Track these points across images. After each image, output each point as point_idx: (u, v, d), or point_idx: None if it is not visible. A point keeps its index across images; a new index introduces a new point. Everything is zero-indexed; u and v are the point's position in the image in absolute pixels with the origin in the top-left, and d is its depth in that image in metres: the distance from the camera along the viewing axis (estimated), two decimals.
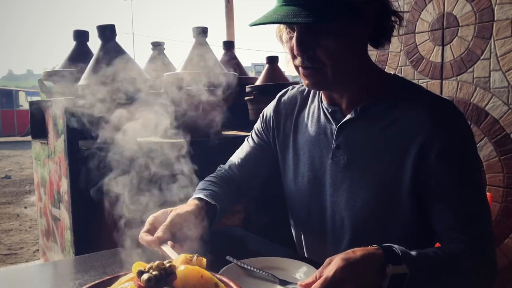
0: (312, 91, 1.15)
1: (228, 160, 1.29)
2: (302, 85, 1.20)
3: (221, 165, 1.30)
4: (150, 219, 0.97)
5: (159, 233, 0.91)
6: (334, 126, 1.04)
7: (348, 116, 1.01)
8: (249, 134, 1.29)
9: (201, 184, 1.17)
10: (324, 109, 1.07)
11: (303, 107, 1.15)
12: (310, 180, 1.08)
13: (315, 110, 1.11)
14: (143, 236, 0.92)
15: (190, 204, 1.02)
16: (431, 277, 0.80)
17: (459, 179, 0.91)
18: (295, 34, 0.91)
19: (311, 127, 1.10)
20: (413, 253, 0.79)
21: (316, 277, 0.74)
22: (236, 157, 1.26)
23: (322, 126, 1.07)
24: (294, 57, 0.95)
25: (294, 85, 1.24)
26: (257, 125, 1.26)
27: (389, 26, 0.97)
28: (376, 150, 0.97)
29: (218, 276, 0.74)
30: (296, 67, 0.97)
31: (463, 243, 0.88)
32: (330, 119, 1.05)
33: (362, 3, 0.88)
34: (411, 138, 0.93)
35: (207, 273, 0.69)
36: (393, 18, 0.96)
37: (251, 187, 1.26)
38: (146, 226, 0.96)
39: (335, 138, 1.03)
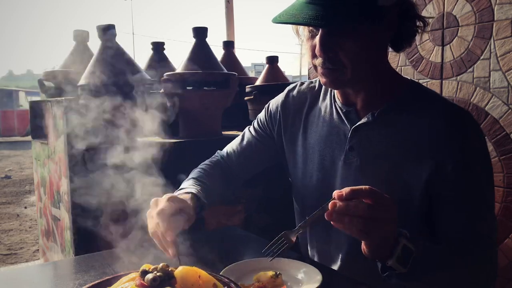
0: (323, 88, 1.13)
1: (226, 147, 1.28)
2: (312, 82, 1.18)
3: (218, 151, 1.29)
4: (158, 212, 0.92)
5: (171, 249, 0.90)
6: (349, 127, 1.02)
7: (364, 119, 0.99)
8: (249, 126, 1.28)
9: (195, 173, 1.17)
10: (338, 108, 1.05)
11: (314, 104, 1.13)
12: (319, 180, 1.07)
13: (327, 109, 1.09)
14: (164, 236, 0.90)
15: (185, 199, 1.00)
16: (431, 264, 0.82)
17: (470, 189, 0.91)
18: (318, 35, 0.89)
19: (322, 126, 1.08)
20: (420, 238, 0.82)
21: (363, 188, 0.75)
22: (235, 144, 1.25)
23: (335, 126, 1.05)
24: (314, 56, 0.93)
25: (303, 81, 1.21)
26: (261, 116, 1.24)
27: (412, 31, 0.95)
28: (390, 155, 0.96)
29: (219, 276, 0.74)
30: (315, 66, 0.95)
31: (463, 245, 0.89)
32: (344, 119, 1.03)
33: (387, 7, 0.87)
34: (426, 147, 0.92)
35: (205, 274, 0.69)
36: (417, 23, 0.95)
37: (246, 176, 1.25)
38: (156, 220, 0.92)
39: (349, 139, 1.01)
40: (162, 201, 0.93)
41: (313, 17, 0.83)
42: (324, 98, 1.11)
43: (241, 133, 1.28)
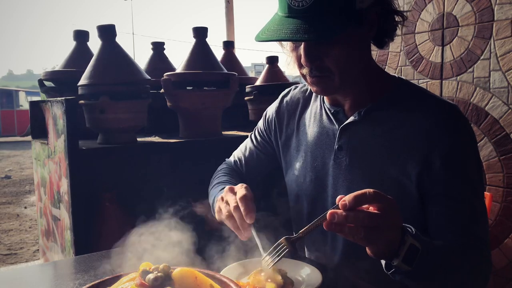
0: None
1: (232, 155, 1.32)
2: (304, 85, 1.20)
3: (227, 159, 1.33)
4: (240, 197, 0.94)
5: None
6: (337, 127, 1.03)
7: (351, 118, 1.00)
8: (251, 132, 1.31)
9: (222, 175, 1.21)
10: (327, 109, 1.07)
11: (306, 107, 1.15)
12: (312, 180, 1.08)
13: (317, 110, 1.11)
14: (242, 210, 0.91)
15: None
16: (436, 261, 0.81)
17: (460, 185, 0.91)
18: (302, 46, 0.91)
19: (313, 128, 1.10)
20: (424, 236, 0.81)
21: (367, 193, 0.72)
22: (239, 153, 1.30)
23: (325, 126, 1.07)
24: (300, 66, 0.95)
25: (296, 85, 1.24)
26: (260, 124, 1.28)
27: (392, 26, 0.97)
28: (379, 153, 0.97)
29: (218, 276, 0.74)
30: (303, 75, 0.97)
31: (457, 243, 0.89)
32: (333, 119, 1.05)
33: (365, 9, 0.88)
34: (415, 143, 0.93)
35: (201, 275, 0.70)
36: (396, 18, 0.96)
37: (253, 181, 1.28)
38: (234, 204, 0.94)
39: (337, 139, 1.02)
40: (240, 188, 0.96)
41: (295, 31, 0.84)
42: (315, 100, 1.14)
43: (244, 141, 1.32)
